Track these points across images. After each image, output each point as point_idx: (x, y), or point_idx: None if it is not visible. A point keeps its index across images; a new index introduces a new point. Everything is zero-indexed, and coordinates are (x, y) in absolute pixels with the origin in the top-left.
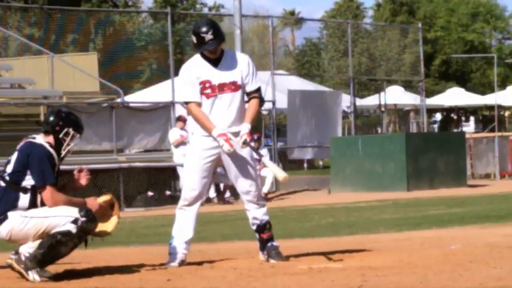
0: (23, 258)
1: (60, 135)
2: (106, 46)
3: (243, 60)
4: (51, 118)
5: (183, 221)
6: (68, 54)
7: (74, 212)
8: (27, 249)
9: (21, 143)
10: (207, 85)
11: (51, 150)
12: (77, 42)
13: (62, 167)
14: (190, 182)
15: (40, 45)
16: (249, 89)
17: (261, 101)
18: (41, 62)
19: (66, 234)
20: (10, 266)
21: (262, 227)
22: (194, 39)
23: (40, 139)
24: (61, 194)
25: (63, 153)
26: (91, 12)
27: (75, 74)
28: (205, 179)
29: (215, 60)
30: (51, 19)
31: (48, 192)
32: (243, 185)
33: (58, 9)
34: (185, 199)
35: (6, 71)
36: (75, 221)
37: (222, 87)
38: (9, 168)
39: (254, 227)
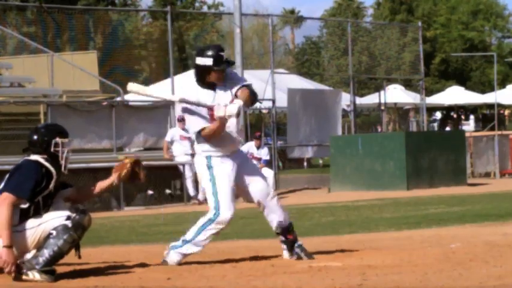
0: (21, 265)
1: (52, 149)
2: (105, 44)
3: None
4: (35, 137)
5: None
6: (68, 52)
7: (64, 212)
8: (26, 256)
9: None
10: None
11: (48, 164)
12: (77, 40)
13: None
14: (225, 201)
15: (40, 44)
16: None
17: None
18: (41, 60)
19: (62, 228)
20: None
21: (287, 228)
22: (210, 60)
23: (36, 156)
24: (10, 212)
25: (62, 163)
26: (91, 10)
27: (75, 72)
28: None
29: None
30: (51, 18)
31: (4, 199)
32: (260, 188)
33: (58, 8)
34: (221, 222)
35: (6, 70)
36: (68, 218)
37: None
38: (2, 184)
39: (278, 230)
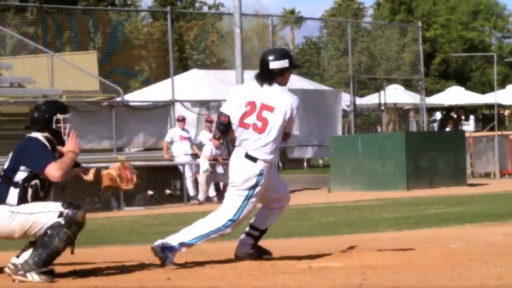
0: (19, 266)
1: (53, 126)
2: (105, 45)
3: None
4: (36, 115)
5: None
6: (68, 53)
7: (57, 207)
8: (24, 257)
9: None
10: None
11: (46, 142)
12: (77, 41)
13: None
14: (242, 220)
15: (40, 44)
16: None
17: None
18: (41, 60)
19: (56, 226)
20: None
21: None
22: (287, 62)
23: (36, 134)
24: (60, 162)
25: (66, 138)
26: (91, 11)
27: (75, 72)
28: None
29: None
30: (51, 18)
31: (51, 168)
32: (285, 188)
33: (58, 8)
34: (226, 234)
35: (5, 70)
36: (60, 215)
37: None
38: (6, 164)
39: (267, 227)
